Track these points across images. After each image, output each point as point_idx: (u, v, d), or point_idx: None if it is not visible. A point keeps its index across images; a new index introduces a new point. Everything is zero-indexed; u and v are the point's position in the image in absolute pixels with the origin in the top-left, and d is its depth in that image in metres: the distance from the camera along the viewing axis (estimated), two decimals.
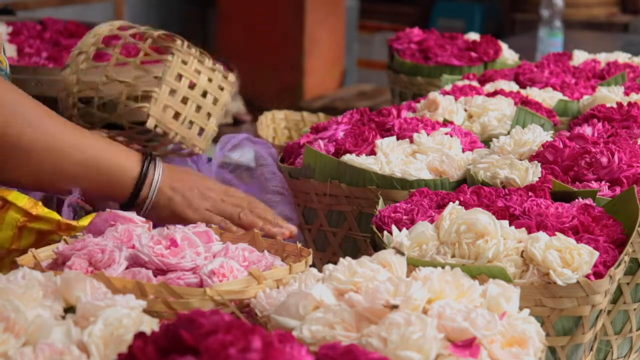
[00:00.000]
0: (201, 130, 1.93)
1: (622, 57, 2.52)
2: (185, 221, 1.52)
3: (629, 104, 1.91)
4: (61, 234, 1.49)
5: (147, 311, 1.08)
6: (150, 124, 1.85)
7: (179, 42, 1.92)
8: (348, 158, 1.68)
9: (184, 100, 1.90)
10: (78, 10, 5.14)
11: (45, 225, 1.49)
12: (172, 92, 1.88)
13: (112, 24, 1.94)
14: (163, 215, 1.63)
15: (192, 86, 1.92)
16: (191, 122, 1.92)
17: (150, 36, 1.92)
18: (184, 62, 1.90)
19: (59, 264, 1.30)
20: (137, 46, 1.92)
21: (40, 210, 1.48)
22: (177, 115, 1.89)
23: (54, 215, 1.49)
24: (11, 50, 2.69)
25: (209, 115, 1.94)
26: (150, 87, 1.87)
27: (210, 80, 1.94)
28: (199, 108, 1.92)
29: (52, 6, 4.77)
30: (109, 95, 1.90)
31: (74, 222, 1.49)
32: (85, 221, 1.49)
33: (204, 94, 1.93)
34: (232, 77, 2.00)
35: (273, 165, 1.92)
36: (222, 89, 1.97)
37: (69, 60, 1.90)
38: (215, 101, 1.95)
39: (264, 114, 2.49)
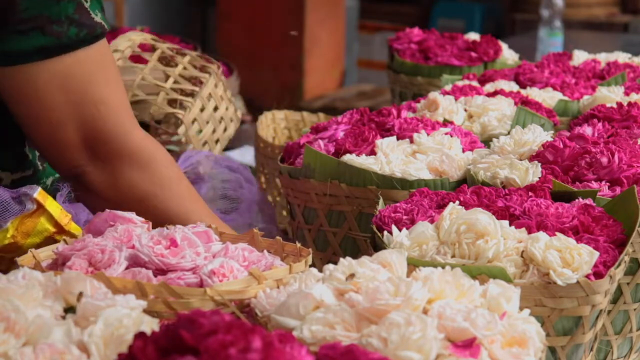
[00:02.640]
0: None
1: (622, 57, 2.52)
2: None
3: (629, 104, 1.91)
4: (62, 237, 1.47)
5: (147, 311, 1.08)
6: (182, 130, 1.89)
7: (215, 65, 1.96)
8: (348, 158, 1.68)
9: (207, 120, 1.95)
10: None
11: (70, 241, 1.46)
12: (202, 109, 1.93)
13: (143, 35, 1.99)
14: None
15: (215, 110, 1.96)
16: (205, 143, 1.96)
17: (189, 53, 1.97)
18: (215, 86, 1.95)
19: (59, 264, 1.30)
20: (174, 59, 1.96)
21: (72, 226, 1.44)
22: (199, 131, 1.94)
23: (80, 231, 1.46)
24: None
25: (217, 141, 1.99)
26: (186, 98, 1.92)
27: (227, 109, 1.99)
28: (214, 131, 1.96)
29: None
30: (141, 95, 1.93)
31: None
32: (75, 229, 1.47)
33: (220, 120, 1.98)
34: (239, 113, 2.06)
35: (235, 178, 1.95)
36: (232, 120, 2.02)
37: None
38: (225, 130, 2.00)
39: (264, 114, 2.49)
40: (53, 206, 1.43)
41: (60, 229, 1.43)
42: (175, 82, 1.96)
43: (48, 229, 1.42)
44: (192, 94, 1.93)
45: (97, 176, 1.60)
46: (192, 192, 1.67)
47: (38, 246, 1.39)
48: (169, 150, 1.98)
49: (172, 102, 1.93)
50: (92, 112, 1.57)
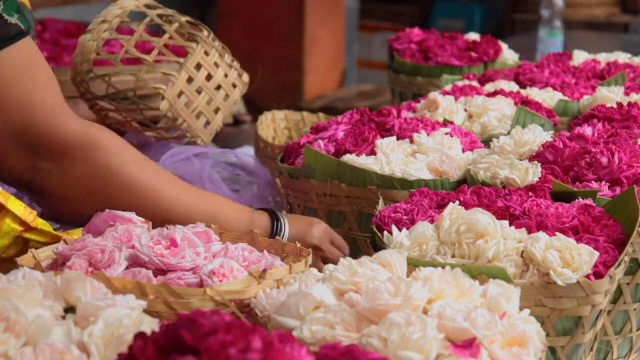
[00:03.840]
0: (207, 123, 1.94)
1: (622, 57, 2.52)
2: None
3: (629, 104, 1.91)
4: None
5: (147, 311, 1.08)
6: (163, 106, 1.86)
7: (205, 32, 1.92)
8: (348, 158, 1.68)
9: (198, 90, 1.92)
10: (78, 10, 5.13)
11: (40, 237, 1.44)
12: (190, 80, 1.89)
13: (137, 1, 1.94)
14: None
15: (208, 78, 1.93)
16: (200, 113, 1.93)
17: (177, 20, 1.93)
18: (206, 53, 1.91)
19: (59, 264, 1.30)
20: (162, 27, 1.93)
21: (38, 222, 1.43)
22: (188, 104, 1.90)
23: (49, 227, 1.45)
24: None
25: (217, 110, 1.95)
26: (170, 70, 1.88)
27: (226, 75, 1.95)
28: (210, 101, 1.93)
29: (52, 6, 4.77)
30: (126, 69, 1.91)
31: (65, 235, 1.44)
32: (76, 234, 1.44)
33: (218, 88, 1.95)
34: (246, 77, 2.01)
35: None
36: (234, 86, 1.98)
37: (92, 26, 1.91)
38: (226, 97, 1.96)
39: (264, 114, 2.49)
40: (15, 205, 1.42)
41: (27, 227, 1.42)
42: (160, 53, 1.93)
43: (15, 229, 1.41)
44: (177, 66, 1.90)
45: (45, 178, 1.53)
46: (157, 174, 1.59)
47: (8, 247, 1.40)
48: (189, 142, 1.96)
49: (155, 78, 1.91)
50: (21, 114, 1.51)
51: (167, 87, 1.88)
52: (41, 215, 1.49)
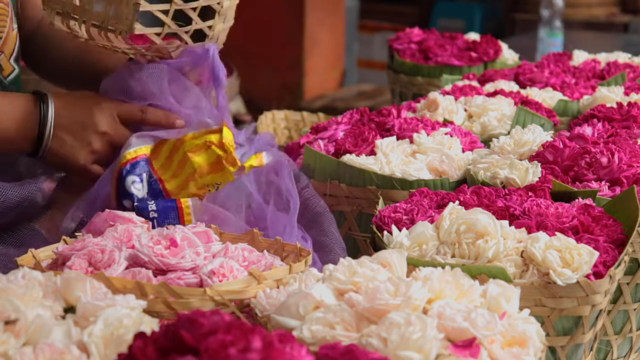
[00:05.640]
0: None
1: (622, 57, 2.52)
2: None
3: (629, 104, 1.91)
4: (226, 163, 1.54)
5: (147, 311, 1.08)
6: None
7: None
8: (348, 158, 1.68)
9: None
10: None
11: (222, 153, 1.54)
12: None
13: None
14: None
15: None
16: None
17: None
18: None
19: (59, 264, 1.30)
20: None
21: (231, 149, 1.54)
22: None
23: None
24: None
25: None
26: None
27: None
28: None
29: None
30: None
31: (239, 160, 1.55)
32: (252, 161, 1.55)
33: None
34: None
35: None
36: None
37: None
38: None
39: (264, 114, 2.49)
40: (229, 133, 1.54)
41: (220, 145, 1.54)
42: None
43: (210, 140, 1.55)
44: None
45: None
46: None
47: (196, 146, 1.54)
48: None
49: None
50: None
51: None
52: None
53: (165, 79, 1.59)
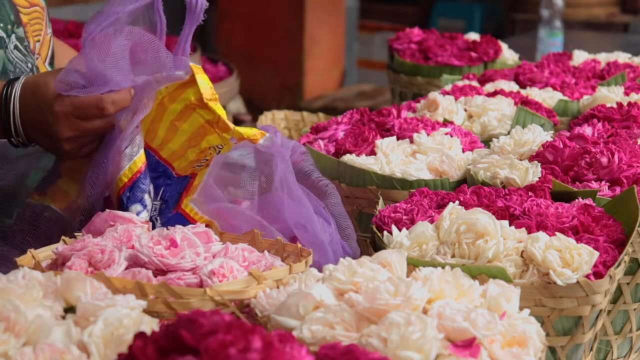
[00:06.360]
0: None
1: (622, 57, 2.52)
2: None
3: (629, 104, 1.91)
4: (217, 130, 1.52)
5: (147, 311, 1.08)
6: None
7: None
8: (348, 158, 1.68)
9: None
10: (78, 10, 5.13)
11: (207, 115, 1.52)
12: None
13: None
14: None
15: None
16: None
17: None
18: None
19: (59, 264, 1.30)
20: None
21: (216, 106, 1.52)
22: None
23: (222, 111, 1.53)
24: None
25: None
26: None
27: None
28: None
29: (52, 6, 4.75)
30: None
31: (230, 124, 1.53)
32: (249, 131, 1.52)
33: None
34: None
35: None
36: None
37: None
38: None
39: (264, 114, 2.49)
40: (205, 79, 1.53)
41: (201, 103, 1.52)
42: None
43: (189, 99, 1.52)
44: None
45: None
46: None
47: (180, 114, 1.52)
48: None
49: None
50: None
51: None
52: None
53: (119, 57, 1.49)
